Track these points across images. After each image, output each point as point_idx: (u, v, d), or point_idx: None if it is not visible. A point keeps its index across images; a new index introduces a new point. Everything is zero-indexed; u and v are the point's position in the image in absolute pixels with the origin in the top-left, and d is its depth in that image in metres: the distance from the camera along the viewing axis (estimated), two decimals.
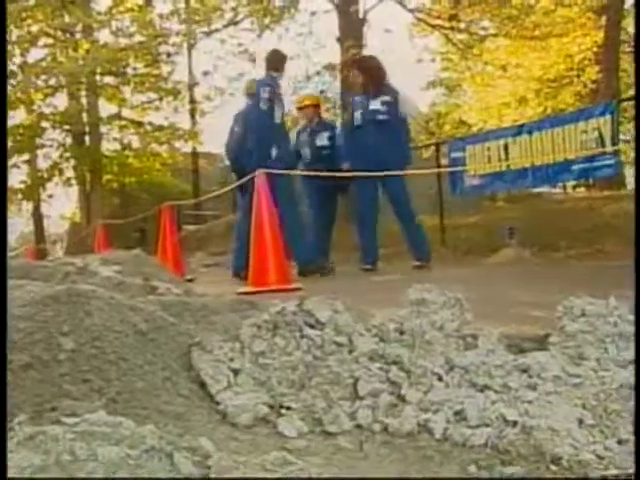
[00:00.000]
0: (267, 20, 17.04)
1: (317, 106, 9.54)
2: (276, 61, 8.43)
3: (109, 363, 1.40)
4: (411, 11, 18.74)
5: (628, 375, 1.42)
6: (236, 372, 1.55)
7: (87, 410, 1.23)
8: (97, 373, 1.37)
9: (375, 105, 8.09)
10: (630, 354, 1.49)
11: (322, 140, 9.04)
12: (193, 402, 1.46)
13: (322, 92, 17.95)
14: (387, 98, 8.06)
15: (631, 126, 24.08)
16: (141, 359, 1.46)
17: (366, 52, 17.30)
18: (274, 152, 8.09)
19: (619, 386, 1.39)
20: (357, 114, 8.18)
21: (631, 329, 1.53)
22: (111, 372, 1.38)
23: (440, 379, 1.47)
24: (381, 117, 8.02)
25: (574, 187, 20.06)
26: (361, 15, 17.17)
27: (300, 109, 9.68)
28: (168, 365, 1.51)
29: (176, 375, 1.50)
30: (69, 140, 22.48)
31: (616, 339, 1.52)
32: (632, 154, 23.42)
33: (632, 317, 1.55)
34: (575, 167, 9.18)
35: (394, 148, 7.85)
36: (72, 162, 22.52)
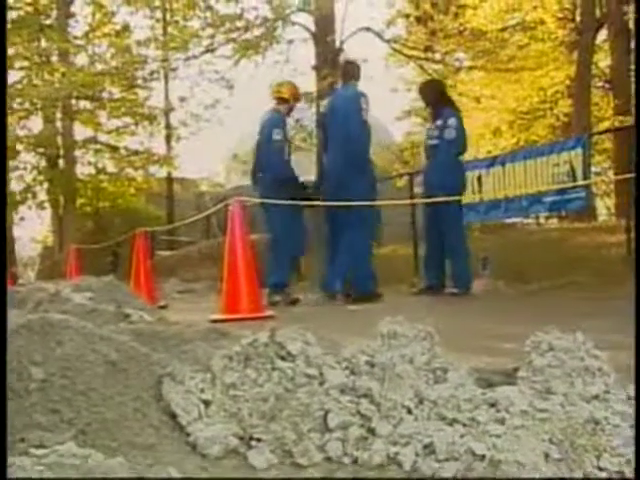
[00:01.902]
0: (244, 49, 17.10)
1: None
2: (354, 70, 8.21)
3: (79, 394, 1.40)
4: (387, 41, 18.92)
5: (593, 410, 1.44)
6: (207, 403, 1.55)
7: (56, 441, 1.23)
8: (67, 404, 1.37)
9: (430, 130, 8.24)
10: (596, 389, 1.52)
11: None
12: (163, 433, 1.46)
13: (298, 121, 18.00)
14: (439, 122, 8.05)
15: (602, 158, 24.46)
16: (112, 390, 1.46)
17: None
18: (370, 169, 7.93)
19: (585, 421, 1.41)
20: (425, 140, 8.41)
21: (597, 364, 1.56)
22: (81, 403, 1.38)
23: (410, 412, 1.48)
24: (432, 142, 8.12)
25: (547, 218, 20.26)
26: (337, 44, 17.32)
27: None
28: (139, 396, 1.51)
29: (147, 406, 1.50)
30: (43, 163, 22.38)
31: (583, 374, 1.54)
32: (604, 187, 23.75)
33: (598, 352, 1.58)
34: (547, 199, 9.31)
35: (436, 173, 7.93)
36: (45, 185, 22.41)
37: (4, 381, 1.40)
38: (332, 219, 7.86)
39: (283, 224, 8.08)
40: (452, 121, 7.98)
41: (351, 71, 8.20)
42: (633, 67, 20.21)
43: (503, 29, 19.86)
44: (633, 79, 20.59)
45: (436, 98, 8.27)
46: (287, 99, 8.59)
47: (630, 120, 18.28)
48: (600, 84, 22.34)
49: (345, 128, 7.55)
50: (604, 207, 25.47)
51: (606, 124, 21.06)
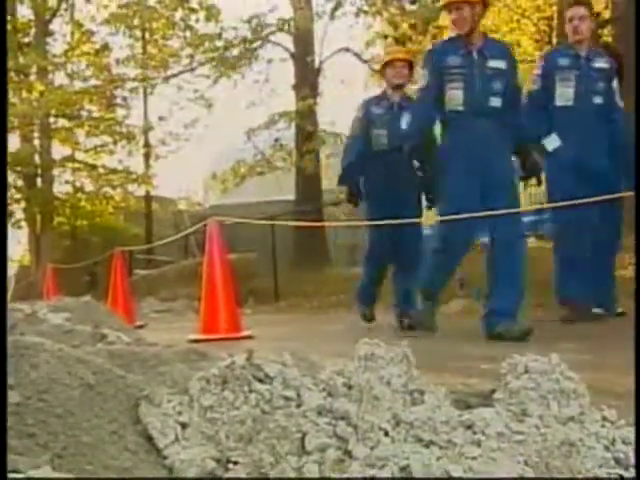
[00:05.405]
0: (223, 68, 17.18)
1: (411, 66, 6.74)
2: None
3: (55, 417, 1.39)
4: (366, 62, 19.02)
5: (568, 432, 1.45)
6: (184, 426, 1.55)
7: (31, 466, 1.22)
8: (43, 427, 1.36)
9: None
10: (570, 410, 1.53)
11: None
12: (139, 456, 1.46)
13: (277, 140, 18.05)
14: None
15: None
16: (88, 413, 1.45)
17: (321, 101, 17.61)
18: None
19: (560, 443, 1.42)
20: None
21: (572, 385, 1.57)
22: (57, 426, 1.38)
23: (387, 434, 1.48)
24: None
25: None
26: (317, 64, 17.42)
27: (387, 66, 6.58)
28: (115, 419, 1.50)
29: (123, 429, 1.49)
30: (20, 182, 22.27)
31: (558, 396, 1.55)
32: None
33: (572, 374, 1.59)
34: (525, 219, 9.37)
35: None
36: (22, 204, 22.29)
37: (4, 381, 1.39)
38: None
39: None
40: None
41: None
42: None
43: None
44: None
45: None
46: None
47: None
48: None
49: None
50: None
51: None
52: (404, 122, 6.25)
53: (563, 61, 6.10)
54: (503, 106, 5.35)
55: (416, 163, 5.78)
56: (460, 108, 5.31)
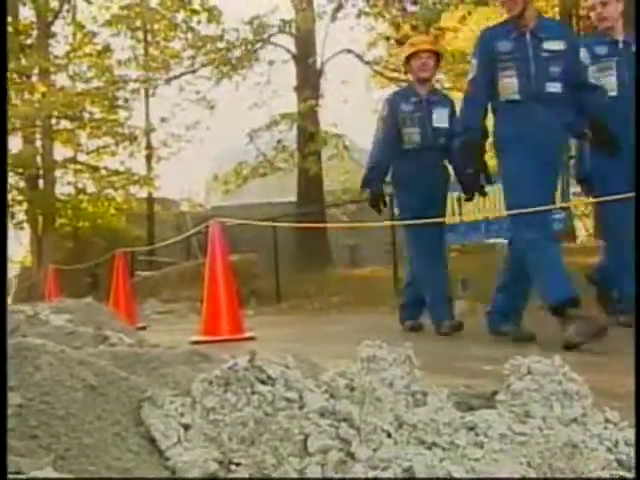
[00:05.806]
0: (225, 69, 17.18)
1: (437, 57, 6.39)
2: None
3: (58, 419, 1.39)
4: (368, 63, 19.02)
5: (571, 433, 1.45)
6: (186, 427, 1.55)
7: (34, 467, 1.22)
8: (45, 429, 1.36)
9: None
10: (574, 412, 1.53)
11: (441, 119, 6.15)
12: (142, 458, 1.46)
13: (279, 141, 18.05)
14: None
15: None
16: (91, 415, 1.45)
17: (322, 102, 17.61)
18: None
19: (563, 444, 1.42)
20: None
21: (575, 387, 1.57)
22: (59, 428, 1.37)
23: (389, 436, 1.48)
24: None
25: None
26: (318, 66, 17.42)
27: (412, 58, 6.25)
28: (118, 420, 1.50)
29: (126, 431, 1.49)
30: (22, 183, 22.27)
31: (561, 397, 1.55)
32: (582, 208, 23.89)
33: (576, 375, 1.59)
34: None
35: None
36: (24, 205, 22.30)
37: (4, 380, 1.39)
38: None
39: None
40: None
41: None
42: None
43: None
44: None
45: None
46: None
47: None
48: None
49: None
50: (583, 228, 25.65)
51: None
52: (436, 118, 6.05)
53: (600, 49, 5.54)
54: (564, 91, 4.80)
55: (462, 159, 5.26)
56: (516, 97, 4.79)
